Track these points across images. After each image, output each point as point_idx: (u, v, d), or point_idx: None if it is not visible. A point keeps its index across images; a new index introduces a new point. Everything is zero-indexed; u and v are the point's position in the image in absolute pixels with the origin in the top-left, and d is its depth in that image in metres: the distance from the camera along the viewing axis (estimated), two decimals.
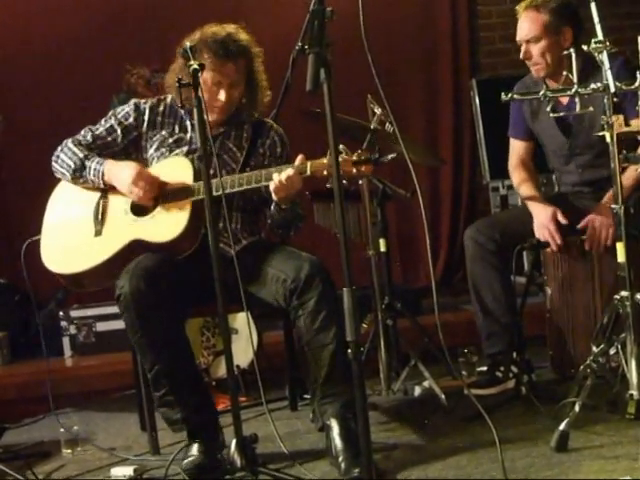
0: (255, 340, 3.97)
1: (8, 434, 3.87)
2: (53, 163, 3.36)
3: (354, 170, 3.00)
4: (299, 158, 3.10)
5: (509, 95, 3.21)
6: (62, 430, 3.55)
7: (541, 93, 3.18)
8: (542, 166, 4.02)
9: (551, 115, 3.34)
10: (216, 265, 2.76)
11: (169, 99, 3.39)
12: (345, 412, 3.00)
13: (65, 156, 3.32)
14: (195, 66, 2.81)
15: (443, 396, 3.57)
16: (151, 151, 3.34)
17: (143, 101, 3.41)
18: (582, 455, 2.87)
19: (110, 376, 4.44)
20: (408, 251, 5.99)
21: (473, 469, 2.87)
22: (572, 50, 3.13)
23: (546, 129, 3.81)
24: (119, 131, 3.35)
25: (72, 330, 4.77)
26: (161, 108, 3.38)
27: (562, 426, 2.92)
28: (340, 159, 2.88)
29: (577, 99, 3.07)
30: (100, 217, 3.27)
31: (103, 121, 3.38)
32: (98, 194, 3.31)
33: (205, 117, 2.81)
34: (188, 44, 2.88)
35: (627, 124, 2.97)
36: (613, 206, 3.07)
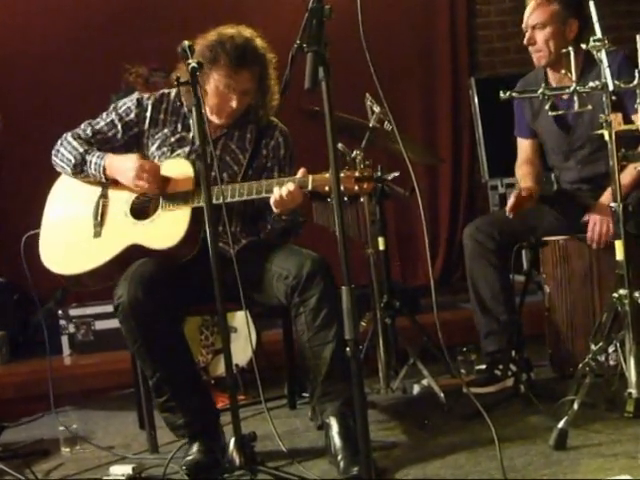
0: (254, 339, 3.97)
1: (7, 433, 3.86)
2: (53, 157, 3.34)
3: (356, 187, 2.97)
4: (301, 171, 3.06)
5: (507, 93, 3.21)
6: (61, 429, 3.54)
7: (539, 91, 3.18)
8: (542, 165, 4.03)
9: (549, 114, 3.34)
10: (215, 264, 2.76)
11: (173, 94, 3.34)
12: (345, 410, 2.99)
13: (65, 150, 3.30)
14: (194, 64, 2.80)
15: (442, 394, 3.57)
16: (153, 149, 3.31)
17: (146, 96, 3.35)
18: (581, 453, 2.87)
19: (109, 375, 4.44)
20: (407, 250, 6.00)
21: (472, 467, 2.87)
22: (571, 48, 3.13)
23: (545, 126, 3.82)
24: (119, 127, 3.32)
25: (71, 329, 4.78)
26: (164, 105, 3.33)
27: (561, 424, 2.92)
28: (342, 174, 2.89)
29: (575, 97, 3.08)
30: (99, 218, 3.24)
31: (104, 115, 3.34)
32: (98, 192, 3.29)
33: (206, 117, 2.79)
34: (186, 43, 2.86)
35: (627, 121, 2.98)
36: (612, 204, 3.08)
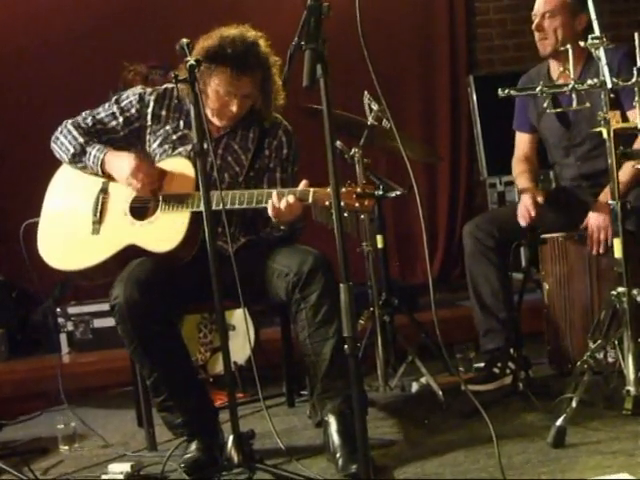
0: (252, 336, 3.97)
1: (5, 430, 3.87)
2: (52, 143, 3.32)
3: (356, 204, 2.93)
4: (303, 183, 3.03)
5: (506, 91, 3.21)
6: (59, 426, 3.54)
7: (538, 89, 3.18)
8: (540, 162, 4.03)
9: (548, 111, 3.34)
10: (212, 261, 2.75)
11: (176, 90, 3.26)
12: (344, 409, 2.99)
13: (65, 139, 3.28)
14: (192, 62, 2.79)
15: (440, 392, 3.57)
16: (154, 146, 3.28)
17: (149, 91, 3.32)
18: (579, 451, 2.87)
19: (107, 372, 4.45)
20: (405, 247, 6.00)
21: (470, 465, 2.87)
22: (569, 46, 3.13)
23: (546, 122, 3.83)
24: (121, 120, 3.29)
25: (69, 327, 4.78)
26: (167, 101, 3.29)
27: (559, 422, 2.92)
28: (344, 190, 2.87)
29: (574, 95, 3.08)
30: (99, 214, 3.23)
31: (106, 105, 3.32)
32: (98, 187, 3.26)
33: (206, 118, 2.78)
34: (185, 41, 2.83)
35: (624, 117, 2.98)
36: (610, 202, 3.08)
